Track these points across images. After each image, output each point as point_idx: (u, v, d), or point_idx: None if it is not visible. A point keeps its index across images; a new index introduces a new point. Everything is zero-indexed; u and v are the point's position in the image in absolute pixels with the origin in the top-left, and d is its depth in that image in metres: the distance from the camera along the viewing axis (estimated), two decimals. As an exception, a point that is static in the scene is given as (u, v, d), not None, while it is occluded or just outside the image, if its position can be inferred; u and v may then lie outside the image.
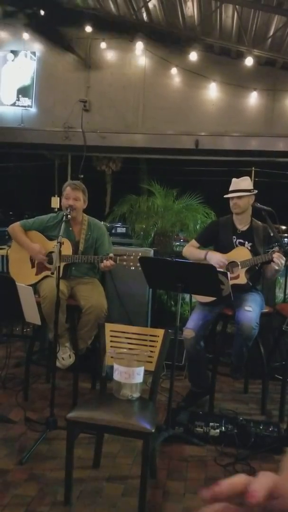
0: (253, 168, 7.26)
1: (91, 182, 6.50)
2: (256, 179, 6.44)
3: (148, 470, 2.18)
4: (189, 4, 4.57)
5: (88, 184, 3.63)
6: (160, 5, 4.79)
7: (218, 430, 2.88)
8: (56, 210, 7.71)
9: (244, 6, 4.21)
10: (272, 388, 3.58)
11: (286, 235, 6.00)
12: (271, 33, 4.57)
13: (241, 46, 5.04)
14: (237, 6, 4.27)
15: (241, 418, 3.03)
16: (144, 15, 5.01)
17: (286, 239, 5.71)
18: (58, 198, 7.54)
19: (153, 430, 2.06)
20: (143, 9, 4.76)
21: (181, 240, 6.70)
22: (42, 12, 4.25)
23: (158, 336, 2.46)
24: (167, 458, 2.68)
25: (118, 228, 6.65)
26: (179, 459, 2.69)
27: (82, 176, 5.89)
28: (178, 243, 6.37)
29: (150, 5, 4.73)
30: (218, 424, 2.92)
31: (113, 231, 6.17)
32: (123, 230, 6.61)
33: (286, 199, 6.66)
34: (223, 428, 2.90)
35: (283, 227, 6.31)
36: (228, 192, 3.44)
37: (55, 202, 7.07)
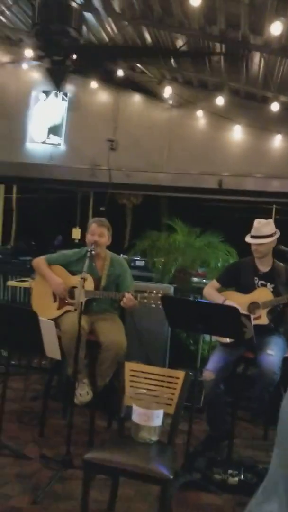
0: (274, 206, 7.27)
1: (111, 215, 6.61)
2: (277, 217, 6.44)
3: (165, 517, 2.11)
4: (217, 50, 4.74)
5: (108, 217, 3.69)
6: (189, 50, 4.98)
7: (237, 478, 2.79)
8: (77, 241, 7.84)
9: (270, 54, 4.35)
10: (293, 435, 3.46)
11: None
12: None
13: (267, 91, 5.17)
14: (264, 54, 4.41)
15: (261, 467, 2.93)
16: (172, 60, 5.22)
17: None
18: (79, 229, 7.70)
19: (171, 477, 2.02)
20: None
21: (200, 277, 6.67)
22: (74, 56, 4.50)
23: (179, 378, 2.44)
24: (183, 506, 2.60)
25: (137, 262, 6.68)
26: (196, 507, 2.60)
27: (103, 209, 6.00)
28: (197, 279, 6.34)
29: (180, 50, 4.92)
30: (237, 472, 2.83)
31: (132, 264, 6.19)
32: (142, 263, 6.64)
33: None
34: (242, 476, 2.80)
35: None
36: (249, 232, 3.44)
37: (76, 233, 7.19)
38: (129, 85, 4.76)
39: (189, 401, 2.84)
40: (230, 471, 2.84)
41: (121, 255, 5.99)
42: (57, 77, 4.71)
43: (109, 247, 3.64)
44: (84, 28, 4.68)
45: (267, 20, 3.75)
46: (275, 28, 3.63)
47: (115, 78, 5.63)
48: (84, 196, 8.59)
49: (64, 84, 5.05)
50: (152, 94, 5.98)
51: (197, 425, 3.63)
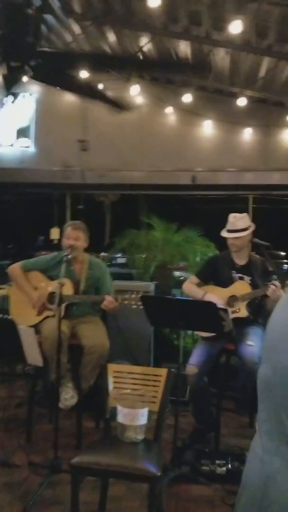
0: (251, 196, 7.33)
1: (90, 213, 6.57)
2: (254, 205, 6.53)
3: (155, 514, 2.14)
4: (182, 47, 4.77)
5: (87, 215, 3.70)
6: (155, 48, 5.00)
7: (224, 468, 2.85)
8: (56, 241, 7.77)
9: (235, 49, 4.40)
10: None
11: (286, 261, 6.02)
12: (262, 74, 4.76)
13: (233, 87, 5.23)
14: (228, 49, 4.45)
15: (247, 455, 2.99)
16: (141, 58, 5.23)
17: (286, 265, 5.72)
18: (58, 229, 7.64)
19: (159, 474, 2.05)
20: (139, 53, 4.98)
21: (182, 270, 6.69)
22: (32, 63, 4.46)
23: (162, 376, 2.47)
24: (175, 499, 2.64)
25: (118, 259, 6.68)
26: (187, 500, 2.65)
27: (81, 207, 5.99)
28: (179, 273, 6.37)
29: (145, 48, 4.94)
30: (224, 462, 2.89)
31: (113, 261, 6.20)
32: (123, 260, 6.64)
33: (285, 224, 6.73)
34: (230, 465, 2.86)
35: (283, 253, 6.33)
36: (225, 227, 3.49)
37: (54, 233, 7.13)
38: (94, 93, 4.76)
39: (175, 395, 2.88)
40: (217, 462, 2.89)
41: (102, 253, 5.99)
42: (9, 83, 4.66)
43: (89, 245, 3.63)
44: (46, 31, 4.65)
45: (227, 18, 3.80)
46: (235, 27, 3.69)
47: (78, 84, 5.59)
48: (61, 196, 8.54)
49: (18, 88, 4.99)
50: (121, 91, 5.96)
51: (184, 418, 3.68)
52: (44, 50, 4.07)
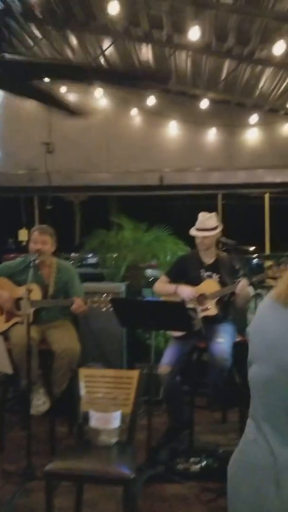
0: (215, 193, 7.44)
1: (59, 213, 6.49)
2: (224, 201, 6.62)
3: (131, 515, 2.16)
4: (144, 51, 4.80)
5: (56, 215, 3.66)
6: (117, 52, 5.00)
7: (198, 466, 2.89)
8: (25, 243, 7.62)
9: (196, 52, 4.46)
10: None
11: (254, 256, 6.13)
12: (224, 76, 4.84)
13: (196, 89, 5.30)
14: (189, 52, 4.51)
15: (221, 451, 3.04)
16: (103, 61, 5.22)
17: (254, 260, 5.83)
18: (26, 231, 7.52)
19: (132, 476, 2.06)
20: (101, 57, 4.97)
21: (153, 268, 6.69)
22: None
23: (133, 378, 2.48)
24: (150, 499, 2.66)
25: (89, 259, 6.65)
26: (162, 500, 2.67)
27: (49, 207, 5.93)
28: (150, 271, 6.37)
29: (107, 52, 4.94)
30: (198, 459, 2.93)
31: (83, 262, 6.17)
32: (94, 260, 6.61)
33: (254, 219, 6.85)
34: (205, 462, 2.90)
35: (251, 248, 6.45)
36: (193, 226, 3.53)
37: (23, 234, 7.01)
38: (55, 102, 4.71)
39: (148, 395, 2.90)
40: (192, 459, 2.93)
41: (72, 254, 5.95)
42: None
43: (59, 246, 3.61)
44: (7, 35, 4.59)
45: (187, 22, 3.85)
46: (193, 33, 3.75)
47: (39, 91, 5.52)
48: (28, 197, 8.43)
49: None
50: (84, 94, 5.93)
51: (157, 417, 3.69)
52: (5, 58, 4.00)
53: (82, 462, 2.13)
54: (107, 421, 2.25)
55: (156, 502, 2.64)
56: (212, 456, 2.97)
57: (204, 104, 5.41)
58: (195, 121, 5.78)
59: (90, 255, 6.56)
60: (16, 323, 3.35)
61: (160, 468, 2.89)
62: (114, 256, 5.99)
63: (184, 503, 2.62)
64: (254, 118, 5.66)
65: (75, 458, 2.19)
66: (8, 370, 2.70)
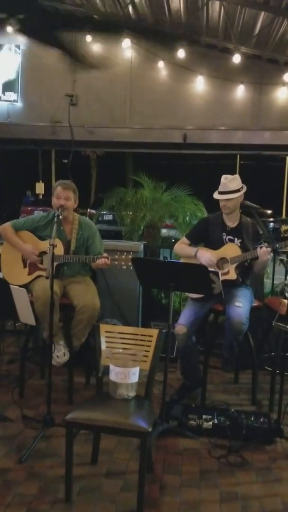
0: (238, 153, 7.31)
1: (76, 167, 6.45)
2: (242, 162, 6.50)
3: (145, 465, 2.26)
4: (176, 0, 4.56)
5: (73, 170, 3.60)
6: (147, 1, 4.76)
7: (211, 423, 2.98)
8: (41, 196, 7.58)
9: (231, 2, 4.22)
10: (262, 378, 3.69)
11: (271, 219, 6.06)
12: (257, 30, 4.60)
13: (228, 43, 5.06)
14: (224, 3, 4.27)
15: (232, 410, 3.12)
16: (131, 10, 4.99)
17: (271, 224, 5.77)
18: (43, 184, 7.50)
19: (150, 429, 2.14)
20: (130, 5, 4.74)
21: (169, 228, 6.65)
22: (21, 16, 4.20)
23: (152, 336, 2.53)
24: (163, 452, 2.77)
25: (105, 216, 6.64)
26: (174, 453, 2.78)
27: (66, 161, 5.87)
28: (165, 231, 6.34)
29: (137, 0, 4.70)
30: (210, 417, 3.02)
31: (99, 218, 6.17)
32: (110, 217, 6.60)
33: (272, 181, 6.74)
34: (216, 420, 2.99)
35: (269, 211, 6.37)
36: (216, 188, 3.47)
37: (39, 188, 7.00)
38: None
39: (164, 352, 2.95)
40: (204, 416, 3.02)
41: (89, 210, 5.94)
42: None
43: None
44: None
45: None
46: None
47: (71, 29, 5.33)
48: (46, 150, 8.32)
49: (3, 39, 4.71)
50: (111, 45, 5.72)
51: (172, 374, 3.81)
52: (39, 5, 3.79)
53: (102, 413, 2.21)
54: (126, 375, 2.32)
55: (169, 455, 2.75)
56: (223, 414, 3.06)
57: (236, 59, 5.18)
58: (223, 77, 5.58)
59: (105, 211, 6.55)
60: (38, 276, 3.40)
61: (173, 423, 3.00)
62: (130, 214, 5.96)
63: (196, 458, 2.73)
64: (287, 77, 5.41)
65: (95, 410, 2.27)
66: (31, 322, 2.77)
